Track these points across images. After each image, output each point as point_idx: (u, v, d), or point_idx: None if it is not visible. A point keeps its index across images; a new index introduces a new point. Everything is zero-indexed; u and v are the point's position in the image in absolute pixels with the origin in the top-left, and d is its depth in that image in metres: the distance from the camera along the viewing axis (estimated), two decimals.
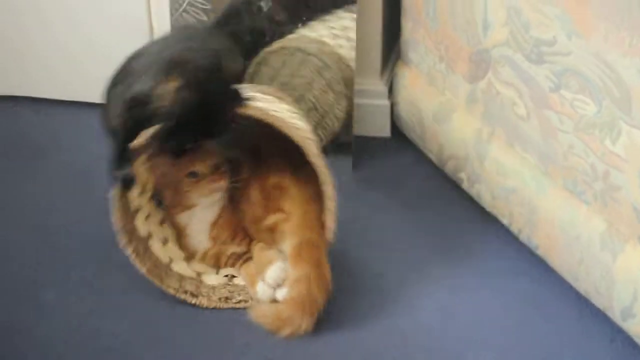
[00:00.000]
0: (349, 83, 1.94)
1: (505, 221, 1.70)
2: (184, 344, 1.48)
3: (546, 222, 1.56)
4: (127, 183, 1.51)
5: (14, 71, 2.26)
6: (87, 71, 2.20)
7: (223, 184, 1.54)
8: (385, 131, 2.10)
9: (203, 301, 1.54)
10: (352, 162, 1.97)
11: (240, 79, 1.70)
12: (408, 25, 1.94)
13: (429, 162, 1.95)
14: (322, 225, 1.51)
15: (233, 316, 1.53)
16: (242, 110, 1.47)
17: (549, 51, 1.47)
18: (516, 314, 1.54)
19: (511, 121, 1.62)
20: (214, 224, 1.59)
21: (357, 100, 1.99)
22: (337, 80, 1.93)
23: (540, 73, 1.50)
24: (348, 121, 1.97)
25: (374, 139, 2.09)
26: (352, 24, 1.92)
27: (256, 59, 1.93)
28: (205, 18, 1.99)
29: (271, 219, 1.55)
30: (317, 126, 1.96)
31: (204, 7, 1.99)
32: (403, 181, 1.94)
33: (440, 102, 1.88)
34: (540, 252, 1.61)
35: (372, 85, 2.08)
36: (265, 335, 1.47)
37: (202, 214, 1.58)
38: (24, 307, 1.56)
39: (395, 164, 2.00)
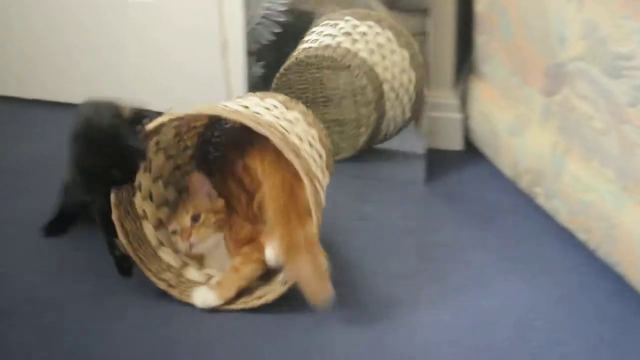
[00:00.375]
0: (348, 57, 1.95)
1: (582, 236, 1.67)
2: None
3: (625, 238, 1.54)
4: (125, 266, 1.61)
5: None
6: (157, 82, 2.25)
7: (196, 237, 1.56)
8: (457, 144, 2.11)
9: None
10: (424, 174, 1.97)
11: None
12: (481, 38, 1.94)
13: (502, 175, 1.94)
14: (291, 188, 1.50)
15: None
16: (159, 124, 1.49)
17: (627, 65, 1.45)
18: (594, 330, 1.50)
19: (588, 136, 1.61)
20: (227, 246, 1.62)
21: (429, 113, 2.01)
22: (335, 60, 1.97)
23: (618, 87, 1.48)
24: (375, 80, 1.97)
25: (446, 151, 2.09)
26: (324, 29, 1.99)
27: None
28: (279, 30, 2.03)
29: (255, 201, 1.58)
30: (356, 106, 2.00)
31: (279, 19, 2.03)
32: (476, 194, 1.93)
33: (514, 116, 1.86)
34: (619, 268, 1.58)
35: (444, 98, 2.09)
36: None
37: (214, 254, 1.61)
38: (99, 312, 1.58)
39: (468, 177, 2.00)
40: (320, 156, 1.62)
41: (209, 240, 1.59)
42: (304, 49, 2.02)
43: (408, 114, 2.03)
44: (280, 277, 1.53)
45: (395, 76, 1.99)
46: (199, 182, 1.60)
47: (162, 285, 1.56)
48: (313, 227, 1.47)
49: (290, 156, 1.44)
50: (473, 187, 1.97)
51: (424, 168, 1.97)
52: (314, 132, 1.63)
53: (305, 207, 1.48)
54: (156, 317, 1.54)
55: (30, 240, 1.76)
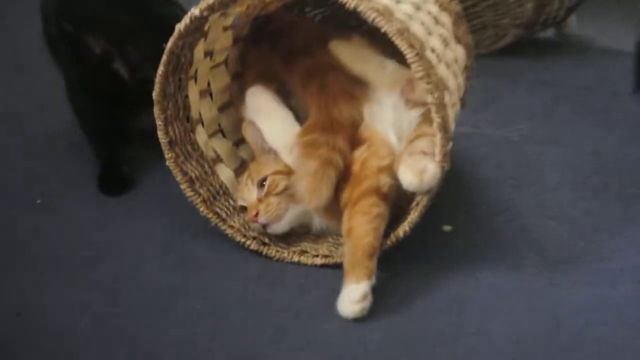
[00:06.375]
0: None
1: None
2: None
3: None
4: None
5: None
6: None
7: (266, 213, 1.51)
8: None
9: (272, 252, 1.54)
10: (635, 79, 1.93)
11: None
12: None
13: None
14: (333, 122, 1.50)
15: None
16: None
17: None
18: None
19: None
20: None
21: None
22: None
23: None
24: None
25: None
26: None
27: None
28: None
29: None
30: None
31: None
32: None
33: None
34: None
35: None
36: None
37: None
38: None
39: None
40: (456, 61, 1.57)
41: (287, 216, 1.51)
42: None
43: None
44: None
45: None
46: (254, 132, 1.54)
47: (253, 245, 1.53)
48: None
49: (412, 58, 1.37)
50: None
51: (636, 71, 1.93)
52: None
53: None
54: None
55: None
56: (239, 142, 1.67)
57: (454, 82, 1.51)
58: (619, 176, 1.70)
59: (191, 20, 1.44)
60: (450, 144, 1.44)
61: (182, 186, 1.54)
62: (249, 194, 1.52)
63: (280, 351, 1.35)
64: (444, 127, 1.39)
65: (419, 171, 1.39)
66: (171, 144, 1.53)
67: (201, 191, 1.56)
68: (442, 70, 1.45)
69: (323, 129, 1.48)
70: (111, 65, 1.63)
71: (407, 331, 1.38)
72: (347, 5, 1.37)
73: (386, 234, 1.45)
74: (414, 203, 1.45)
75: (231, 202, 1.59)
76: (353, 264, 1.40)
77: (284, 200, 1.51)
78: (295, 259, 1.51)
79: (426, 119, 1.47)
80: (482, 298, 1.44)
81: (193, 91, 1.58)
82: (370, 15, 1.36)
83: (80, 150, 1.74)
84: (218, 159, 1.63)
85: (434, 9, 1.54)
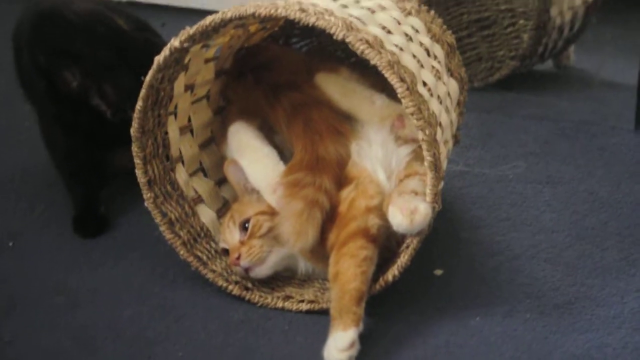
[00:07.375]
0: None
1: None
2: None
3: None
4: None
5: None
6: None
7: (248, 257, 1.51)
8: None
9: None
10: (635, 115, 1.92)
11: None
12: None
13: None
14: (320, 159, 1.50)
15: None
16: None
17: None
18: None
19: None
20: None
21: None
22: None
23: None
24: None
25: None
26: None
27: None
28: None
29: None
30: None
31: None
32: None
33: None
34: None
35: None
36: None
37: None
38: None
39: None
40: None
41: (271, 259, 1.49)
42: None
43: None
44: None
45: None
46: (236, 171, 1.54)
47: (236, 290, 1.53)
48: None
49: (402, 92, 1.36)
50: None
51: (636, 106, 1.91)
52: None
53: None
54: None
55: None
56: (221, 181, 1.65)
57: (447, 117, 1.50)
58: (617, 217, 1.70)
59: (171, 52, 1.42)
60: (442, 184, 1.44)
61: (161, 228, 1.53)
62: (231, 236, 1.51)
63: None
64: (435, 165, 1.38)
65: (409, 212, 1.38)
66: (150, 183, 1.52)
67: (181, 233, 1.54)
68: (434, 105, 1.44)
69: (308, 168, 1.46)
70: (89, 101, 1.57)
71: None
72: (335, 36, 1.36)
73: (375, 278, 1.43)
74: (404, 245, 1.43)
75: (213, 244, 1.58)
76: (340, 310, 1.38)
77: (267, 243, 1.49)
78: (280, 304, 1.50)
79: (417, 156, 1.46)
80: (474, 346, 1.43)
81: (173, 127, 1.57)
82: (359, 47, 1.35)
83: (54, 190, 1.74)
84: (199, 199, 1.62)
85: (426, 40, 1.52)
